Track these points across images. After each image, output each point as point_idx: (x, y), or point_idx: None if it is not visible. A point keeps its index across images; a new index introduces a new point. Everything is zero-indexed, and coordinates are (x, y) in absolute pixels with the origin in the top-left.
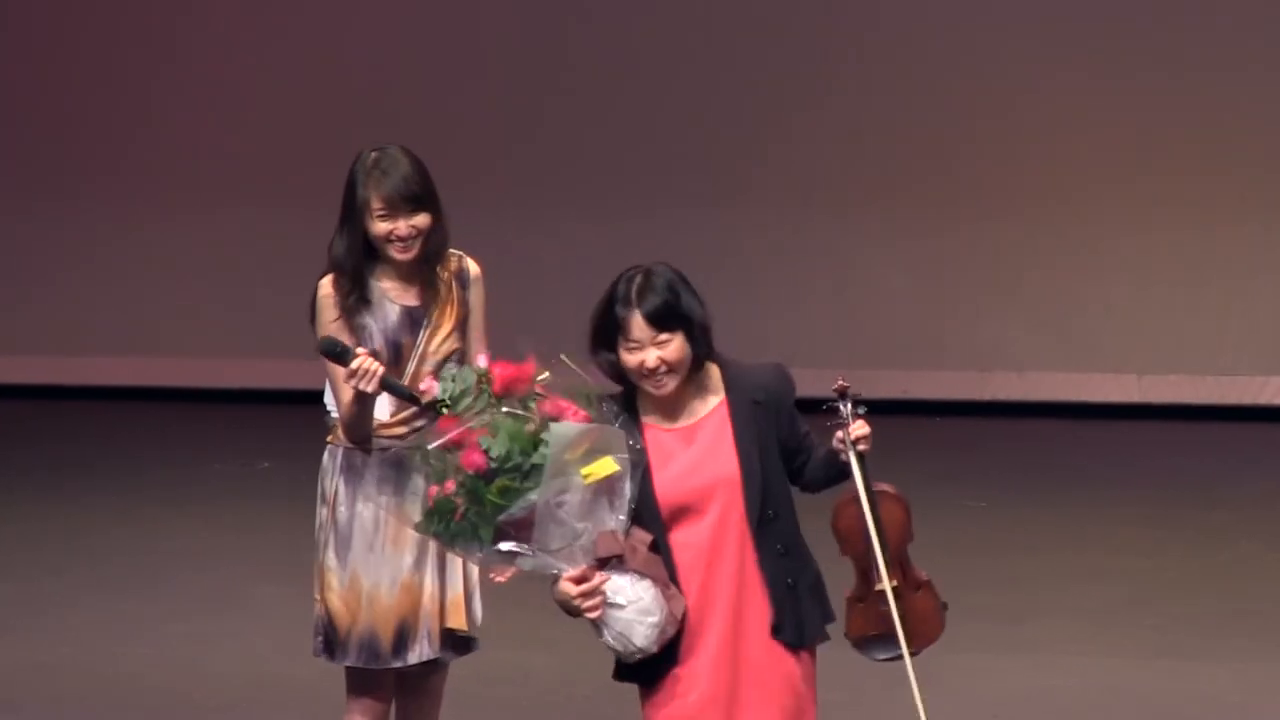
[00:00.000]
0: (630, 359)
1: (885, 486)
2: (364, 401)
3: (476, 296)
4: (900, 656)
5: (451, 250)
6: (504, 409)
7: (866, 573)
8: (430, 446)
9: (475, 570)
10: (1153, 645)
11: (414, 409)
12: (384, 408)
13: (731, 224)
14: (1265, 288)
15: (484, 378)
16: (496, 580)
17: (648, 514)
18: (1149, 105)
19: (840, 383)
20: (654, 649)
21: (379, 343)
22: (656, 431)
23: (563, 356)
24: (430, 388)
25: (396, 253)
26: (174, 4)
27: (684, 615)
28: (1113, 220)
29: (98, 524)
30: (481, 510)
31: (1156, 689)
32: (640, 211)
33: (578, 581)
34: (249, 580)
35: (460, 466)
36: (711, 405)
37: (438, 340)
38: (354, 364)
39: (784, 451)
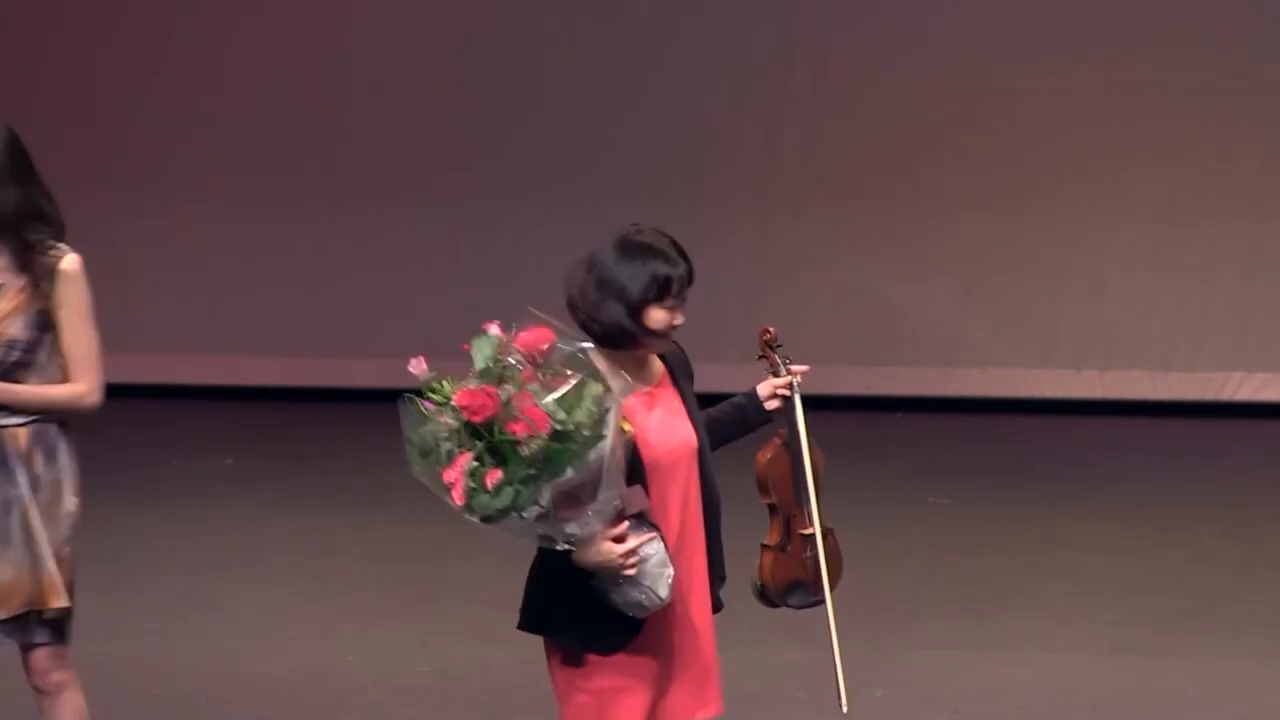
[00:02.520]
0: (664, 317)
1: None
2: None
3: (65, 294)
4: (816, 603)
5: (54, 245)
6: (539, 378)
7: (789, 520)
8: (459, 428)
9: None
10: (1114, 641)
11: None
12: None
13: (692, 221)
14: (1226, 284)
15: (500, 345)
16: None
17: (631, 473)
18: (1110, 103)
19: (769, 331)
20: (670, 600)
21: None
22: None
23: (531, 309)
24: (420, 370)
25: None
26: (168, 3)
27: None
28: (1075, 216)
29: None
30: (546, 477)
31: (1117, 684)
32: (599, 210)
33: (617, 540)
34: (210, 577)
35: (523, 437)
36: (659, 371)
37: None
38: None
39: None
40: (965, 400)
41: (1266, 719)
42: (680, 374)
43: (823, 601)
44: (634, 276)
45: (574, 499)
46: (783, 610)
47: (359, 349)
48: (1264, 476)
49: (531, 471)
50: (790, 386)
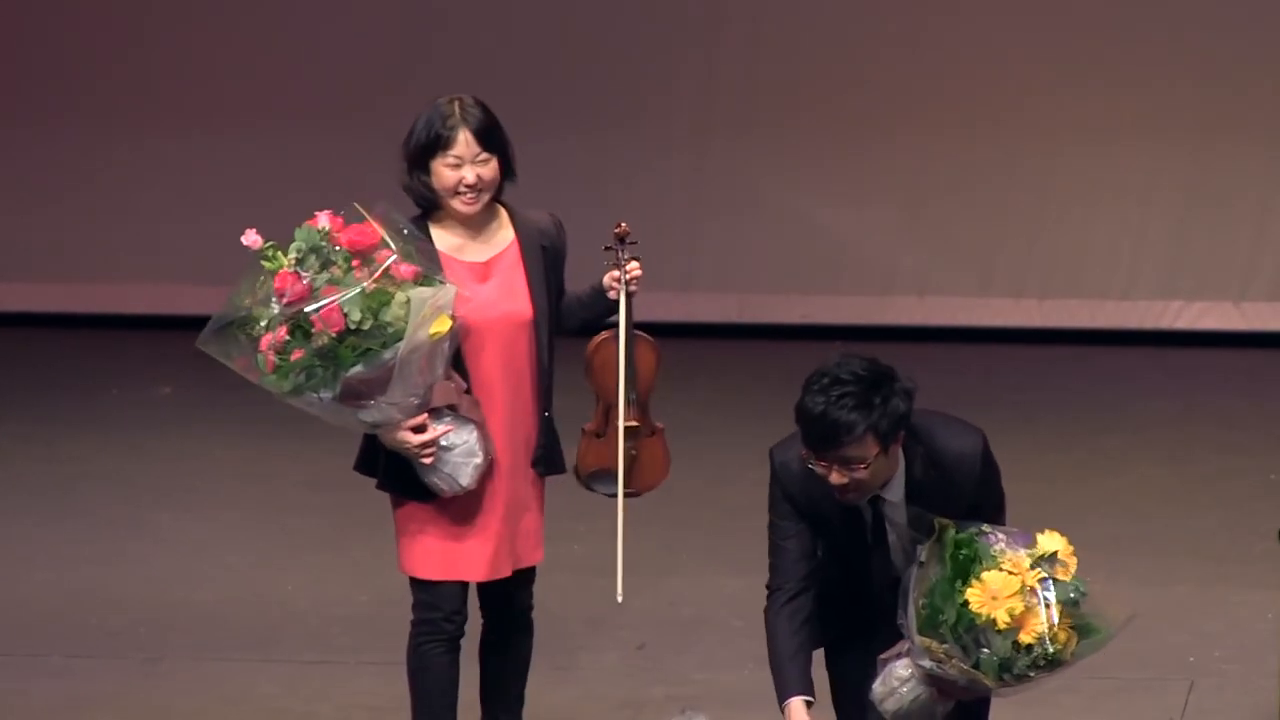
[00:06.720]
0: (450, 175)
1: (642, 333)
2: None
3: None
4: (629, 494)
5: None
6: (352, 273)
7: (609, 409)
8: (276, 303)
9: None
10: None
11: None
12: None
13: (631, 145)
14: (1165, 212)
15: (324, 235)
16: None
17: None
18: (1049, 26)
19: (622, 226)
20: (474, 486)
21: None
22: (451, 262)
23: (356, 205)
24: (253, 241)
25: None
26: None
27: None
28: (1013, 143)
29: None
30: (337, 369)
31: None
32: (542, 134)
33: (416, 430)
34: (149, 506)
35: (314, 330)
36: (504, 244)
37: None
38: None
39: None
40: (902, 329)
41: (1204, 645)
42: (531, 246)
43: (634, 494)
44: (413, 134)
45: (361, 393)
46: (720, 540)
47: None
48: (1201, 404)
49: (318, 363)
50: (621, 281)
